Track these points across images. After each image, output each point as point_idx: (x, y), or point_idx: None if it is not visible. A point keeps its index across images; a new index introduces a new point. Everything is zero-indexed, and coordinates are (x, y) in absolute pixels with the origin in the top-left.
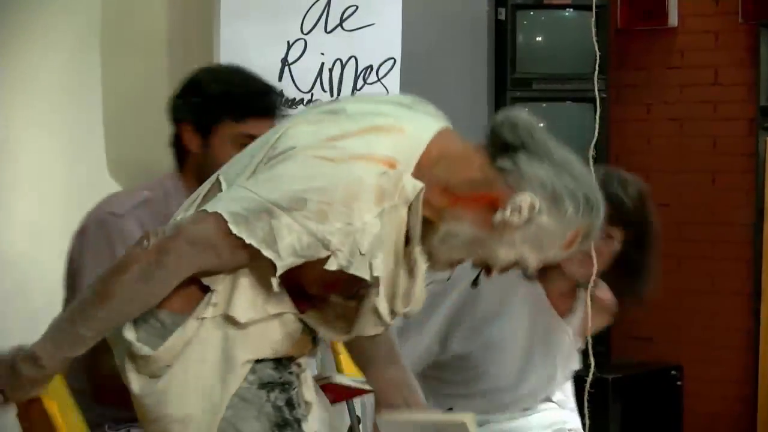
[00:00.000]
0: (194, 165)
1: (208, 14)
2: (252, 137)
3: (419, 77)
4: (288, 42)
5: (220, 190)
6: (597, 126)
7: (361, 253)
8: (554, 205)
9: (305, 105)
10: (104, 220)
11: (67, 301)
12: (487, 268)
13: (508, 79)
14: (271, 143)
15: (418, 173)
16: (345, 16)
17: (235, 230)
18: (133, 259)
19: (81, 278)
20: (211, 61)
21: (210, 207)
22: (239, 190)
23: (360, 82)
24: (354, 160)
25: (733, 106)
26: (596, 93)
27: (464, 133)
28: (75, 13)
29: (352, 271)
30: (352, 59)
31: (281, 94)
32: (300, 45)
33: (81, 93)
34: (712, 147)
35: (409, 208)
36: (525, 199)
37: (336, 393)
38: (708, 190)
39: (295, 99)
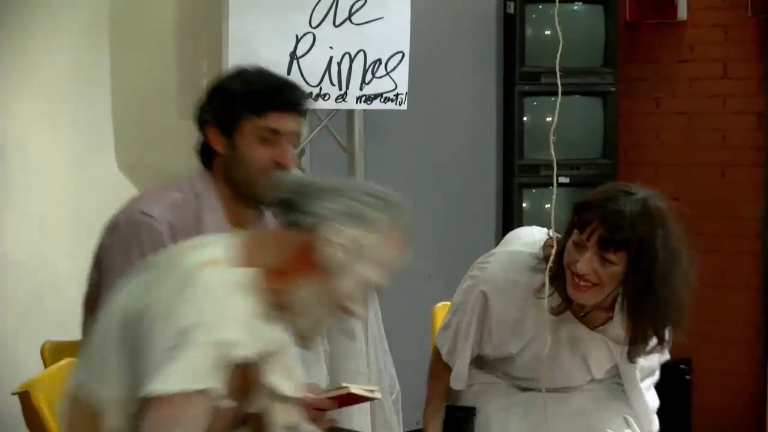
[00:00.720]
0: (222, 165)
1: (217, 8)
2: (274, 131)
3: (428, 71)
4: (297, 36)
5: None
6: (556, 116)
7: (259, 333)
8: (357, 220)
9: (314, 99)
10: (137, 219)
11: (88, 294)
12: (349, 312)
13: (517, 72)
14: (114, 328)
15: (246, 265)
16: (353, 9)
17: (160, 390)
18: None
19: (108, 275)
20: (220, 55)
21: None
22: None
23: (369, 76)
24: (194, 273)
25: (742, 99)
26: (558, 83)
27: (473, 128)
28: (83, 8)
29: (260, 349)
30: (361, 53)
31: (305, 93)
32: (308, 39)
33: (89, 88)
34: (722, 141)
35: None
36: (331, 233)
37: (344, 400)
38: (717, 184)
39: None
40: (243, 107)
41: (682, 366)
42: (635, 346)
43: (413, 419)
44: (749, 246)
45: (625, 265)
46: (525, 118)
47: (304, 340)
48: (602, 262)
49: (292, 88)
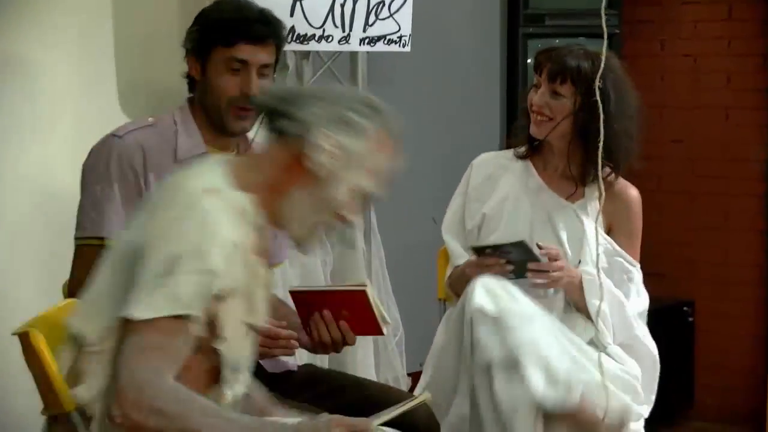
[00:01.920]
0: (197, 92)
1: None
2: (240, 61)
3: (431, 13)
4: None
5: None
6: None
7: (234, 268)
8: (345, 126)
9: (317, 41)
10: (106, 141)
11: (78, 221)
12: (344, 220)
13: (521, 14)
14: (112, 263)
15: (241, 189)
16: None
17: (145, 315)
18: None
19: (83, 195)
20: None
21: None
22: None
23: (372, 18)
24: (195, 201)
25: (746, 42)
26: (604, 26)
27: (477, 70)
28: None
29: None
30: None
31: (281, 27)
32: None
33: (91, 23)
34: (726, 83)
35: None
36: (318, 137)
37: (335, 303)
38: (721, 126)
39: (306, 35)
40: (214, 36)
41: (685, 308)
42: (590, 170)
43: (416, 361)
44: (753, 188)
45: (572, 97)
46: (529, 61)
47: (300, 246)
48: (552, 95)
49: (265, 20)
